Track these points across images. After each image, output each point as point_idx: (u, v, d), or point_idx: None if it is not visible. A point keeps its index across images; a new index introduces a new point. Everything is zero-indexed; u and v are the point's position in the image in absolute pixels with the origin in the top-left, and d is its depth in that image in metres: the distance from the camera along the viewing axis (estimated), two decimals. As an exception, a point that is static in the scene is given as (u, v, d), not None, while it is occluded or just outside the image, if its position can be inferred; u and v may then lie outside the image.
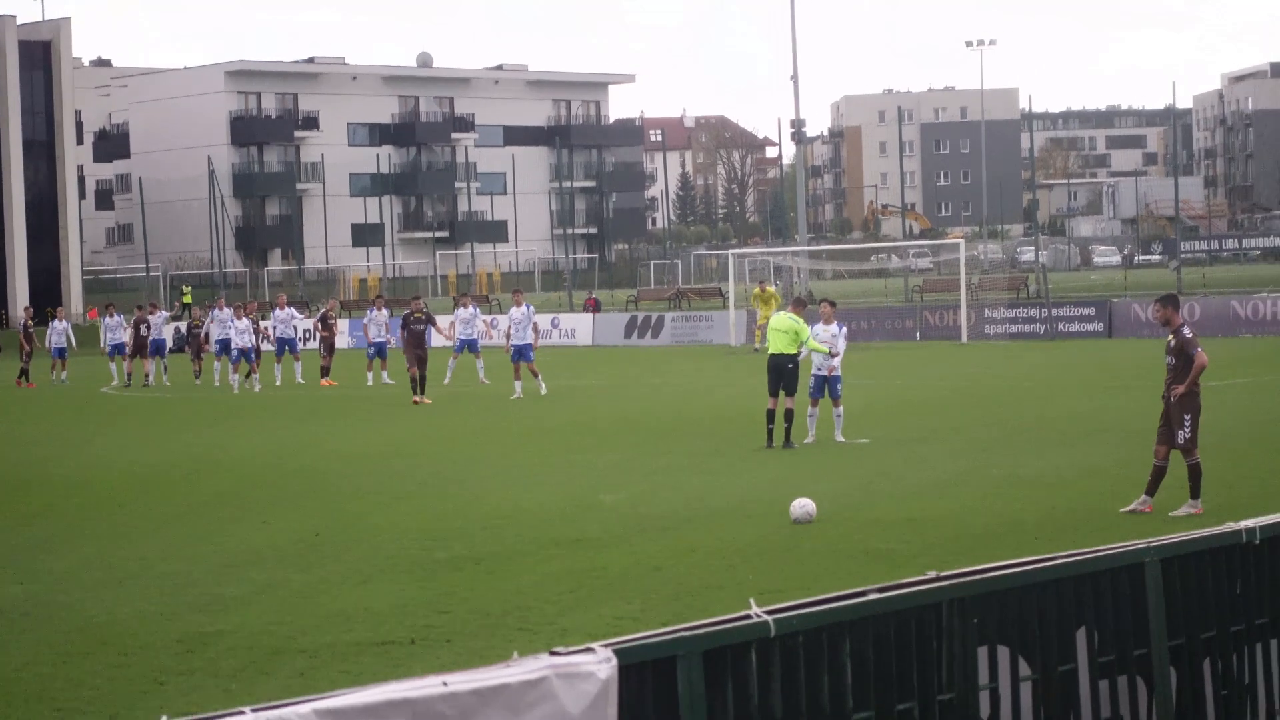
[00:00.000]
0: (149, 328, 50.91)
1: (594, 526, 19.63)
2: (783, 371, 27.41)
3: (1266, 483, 21.20)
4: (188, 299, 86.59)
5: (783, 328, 27.67)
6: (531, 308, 41.06)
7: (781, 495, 20.72)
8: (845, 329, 28.57)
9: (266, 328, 49.22)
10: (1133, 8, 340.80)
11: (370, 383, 45.62)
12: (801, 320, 27.83)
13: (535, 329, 40.56)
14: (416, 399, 38.65)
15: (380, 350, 45.82)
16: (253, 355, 46.52)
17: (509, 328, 40.44)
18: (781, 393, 27.37)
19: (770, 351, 27.77)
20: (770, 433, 27.32)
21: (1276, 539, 9.46)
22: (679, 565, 17.03)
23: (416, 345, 39.46)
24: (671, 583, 16.14)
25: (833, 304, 29.31)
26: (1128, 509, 19.31)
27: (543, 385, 39.85)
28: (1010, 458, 24.78)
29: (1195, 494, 19.16)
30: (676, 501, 21.46)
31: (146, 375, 50.34)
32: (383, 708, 6.20)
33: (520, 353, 39.71)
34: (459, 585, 16.34)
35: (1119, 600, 8.66)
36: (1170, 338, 19.48)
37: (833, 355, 27.55)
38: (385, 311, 46.81)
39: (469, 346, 44.19)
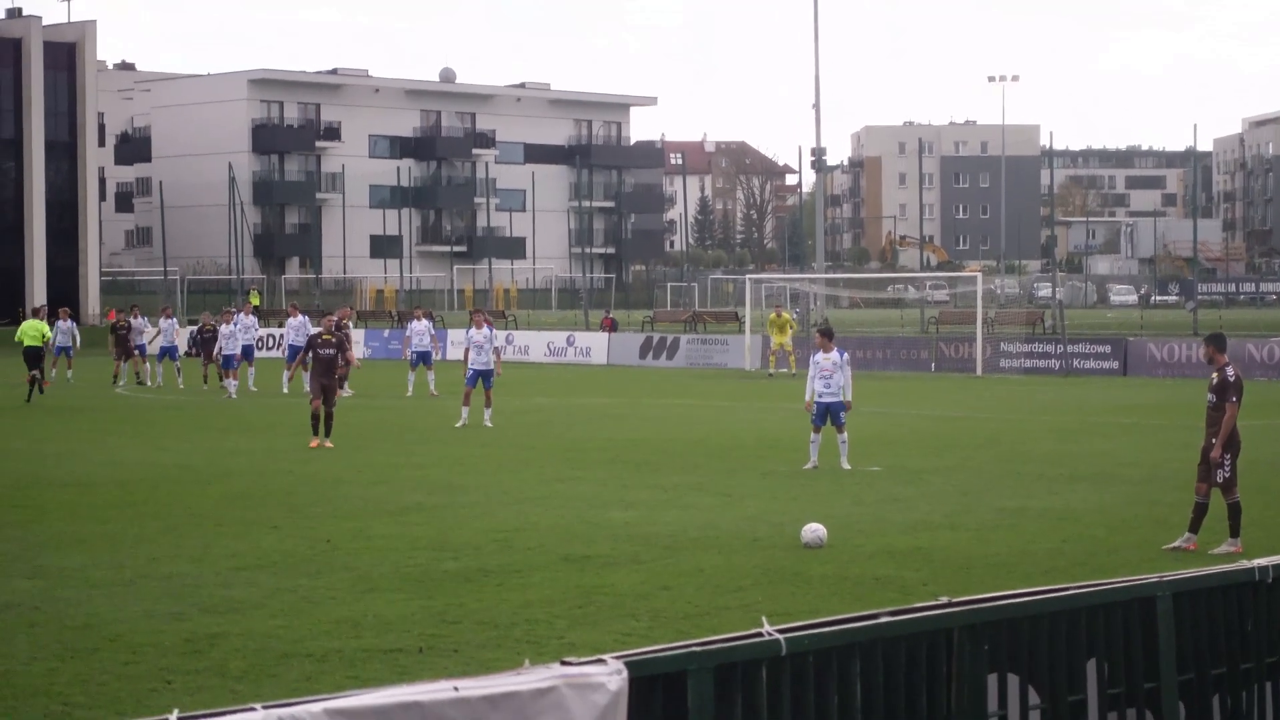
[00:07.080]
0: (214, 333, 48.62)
1: (603, 544, 19.64)
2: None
3: (1276, 524, 21.16)
4: (255, 301, 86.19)
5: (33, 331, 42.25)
6: (494, 329, 37.71)
7: (792, 520, 20.73)
8: (846, 355, 28.37)
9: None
10: (1133, 8, 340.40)
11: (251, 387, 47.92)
12: None
13: (497, 353, 36.39)
14: (315, 442, 31.77)
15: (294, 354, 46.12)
16: (234, 361, 46.64)
17: (468, 350, 36.03)
18: None
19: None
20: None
21: (1289, 578, 9.45)
22: (688, 585, 17.03)
23: (323, 374, 32.69)
24: (680, 602, 16.14)
25: (828, 334, 28.59)
26: (1170, 546, 19.25)
27: (489, 418, 35.65)
28: (1021, 491, 24.75)
29: (1235, 532, 19.17)
30: (686, 522, 21.46)
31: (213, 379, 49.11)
32: (393, 710, 6.21)
33: (481, 377, 35.68)
34: (467, 597, 16.35)
35: (1130, 633, 8.66)
36: (1214, 374, 19.53)
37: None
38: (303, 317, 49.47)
39: (422, 359, 46.05)
